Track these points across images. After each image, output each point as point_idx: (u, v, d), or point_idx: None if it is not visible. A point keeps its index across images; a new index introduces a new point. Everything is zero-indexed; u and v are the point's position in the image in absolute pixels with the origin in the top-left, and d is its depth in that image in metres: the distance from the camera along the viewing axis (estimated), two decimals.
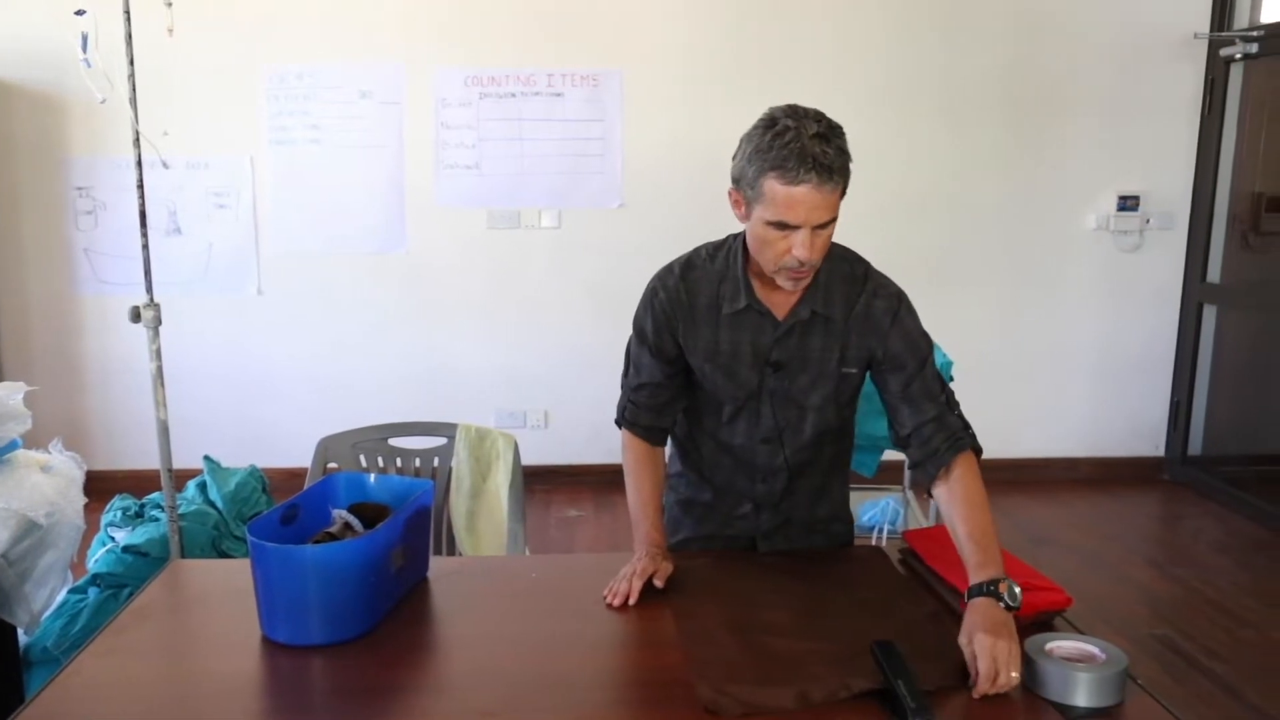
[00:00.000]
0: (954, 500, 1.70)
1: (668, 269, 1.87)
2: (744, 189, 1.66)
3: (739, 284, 1.79)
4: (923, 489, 1.80)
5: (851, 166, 1.63)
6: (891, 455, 3.41)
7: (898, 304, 1.80)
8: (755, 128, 1.64)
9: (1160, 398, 5.13)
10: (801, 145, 1.56)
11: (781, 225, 1.61)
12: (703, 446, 1.97)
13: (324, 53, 4.62)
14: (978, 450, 1.78)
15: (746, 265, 1.79)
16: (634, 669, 1.57)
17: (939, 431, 1.75)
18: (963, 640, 1.46)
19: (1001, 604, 1.49)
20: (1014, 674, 1.40)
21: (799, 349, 1.81)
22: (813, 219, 1.60)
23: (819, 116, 1.62)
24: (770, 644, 1.57)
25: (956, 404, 1.82)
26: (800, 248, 1.61)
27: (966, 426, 1.79)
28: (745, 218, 1.70)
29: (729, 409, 1.88)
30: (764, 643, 1.58)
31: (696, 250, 1.88)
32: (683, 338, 1.85)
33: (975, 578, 1.55)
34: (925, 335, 1.82)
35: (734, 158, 1.68)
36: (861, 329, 1.79)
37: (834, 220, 1.64)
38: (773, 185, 1.58)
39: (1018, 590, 1.51)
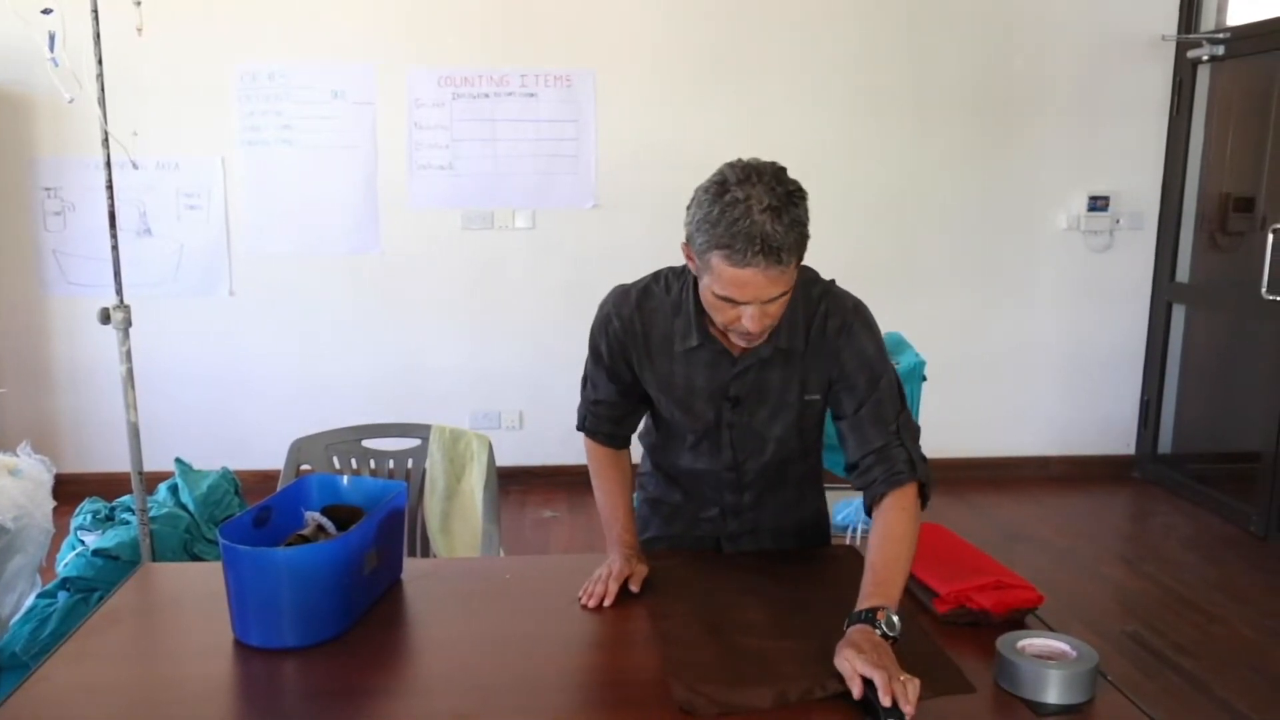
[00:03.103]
0: (874, 532, 1.64)
1: (624, 294, 1.80)
2: (694, 250, 1.57)
3: (690, 322, 1.72)
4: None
5: (809, 232, 1.53)
6: None
7: (852, 319, 1.72)
8: (706, 190, 1.53)
9: (1131, 396, 5.19)
10: (750, 223, 1.46)
11: (729, 300, 1.54)
12: (670, 456, 1.94)
13: (296, 52, 4.59)
14: (924, 481, 1.68)
15: (699, 309, 1.69)
16: (609, 669, 1.57)
17: (879, 464, 1.67)
18: (841, 665, 1.42)
19: (878, 631, 1.46)
20: (904, 679, 1.36)
21: (757, 383, 1.76)
22: (761, 296, 1.52)
23: (774, 182, 1.50)
24: (745, 643, 1.58)
25: (912, 430, 1.72)
26: (749, 320, 1.55)
27: (911, 459, 1.67)
28: (698, 275, 1.61)
29: (690, 438, 1.86)
30: (738, 642, 1.58)
31: (657, 276, 1.80)
32: (637, 368, 1.81)
33: (859, 606, 1.51)
34: (882, 353, 1.73)
35: (687, 208, 1.57)
36: (816, 352, 1.73)
37: (787, 292, 1.56)
38: (720, 264, 1.50)
39: (895, 619, 1.48)
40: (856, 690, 1.37)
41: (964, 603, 1.65)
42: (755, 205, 1.47)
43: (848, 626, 1.49)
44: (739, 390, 1.77)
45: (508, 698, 1.43)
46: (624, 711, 1.42)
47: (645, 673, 1.49)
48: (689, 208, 1.57)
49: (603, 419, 1.91)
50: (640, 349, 1.78)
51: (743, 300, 1.53)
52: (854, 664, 1.39)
